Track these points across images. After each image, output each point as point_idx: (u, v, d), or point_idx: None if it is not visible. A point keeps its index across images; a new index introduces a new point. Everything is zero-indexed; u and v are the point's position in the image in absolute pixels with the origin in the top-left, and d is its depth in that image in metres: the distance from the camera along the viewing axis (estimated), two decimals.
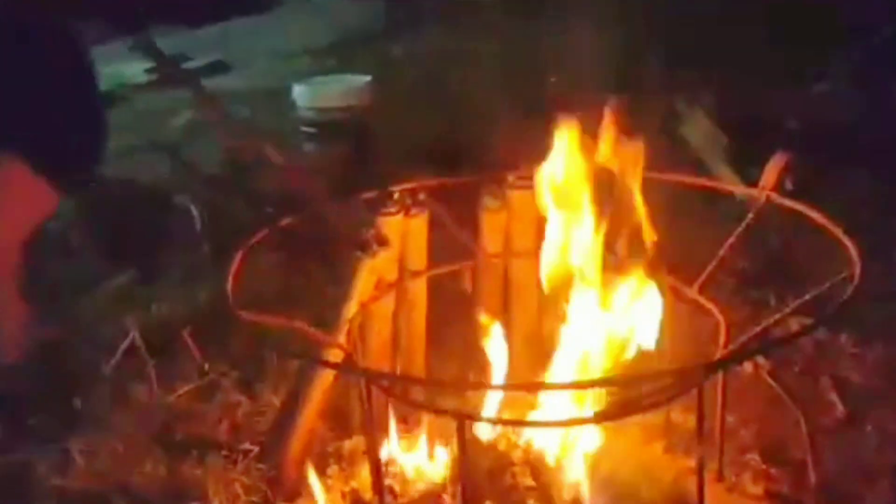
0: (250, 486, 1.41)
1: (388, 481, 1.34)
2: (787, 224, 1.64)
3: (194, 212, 2.16)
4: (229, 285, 1.22)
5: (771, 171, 1.38)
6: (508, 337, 1.41)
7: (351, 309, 1.33)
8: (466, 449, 1.12)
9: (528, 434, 1.33)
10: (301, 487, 1.38)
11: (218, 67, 3.64)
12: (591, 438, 1.35)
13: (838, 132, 2.25)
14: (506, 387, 1.32)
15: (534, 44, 2.53)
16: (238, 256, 1.29)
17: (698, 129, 2.27)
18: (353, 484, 1.40)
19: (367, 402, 1.22)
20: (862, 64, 2.52)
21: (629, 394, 1.17)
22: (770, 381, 1.54)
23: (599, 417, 1.12)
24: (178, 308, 1.85)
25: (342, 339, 1.31)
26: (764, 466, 1.39)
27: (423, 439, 1.38)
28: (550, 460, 1.32)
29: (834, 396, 1.53)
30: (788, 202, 1.35)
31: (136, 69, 3.16)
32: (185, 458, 1.47)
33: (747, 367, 1.59)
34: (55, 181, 1.40)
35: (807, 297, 1.23)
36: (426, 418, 1.37)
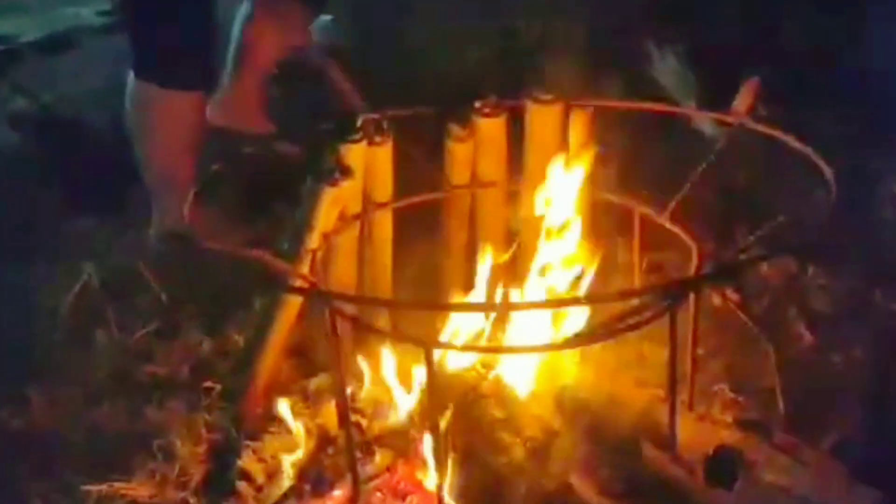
0: (214, 425, 1.38)
1: (355, 416, 1.31)
2: (759, 157, 1.62)
3: None
4: (185, 215, 1.17)
5: (744, 96, 1.35)
6: (476, 267, 1.38)
7: (313, 239, 1.29)
8: (433, 376, 1.09)
9: (498, 366, 1.31)
10: (265, 425, 1.35)
11: None
12: (562, 370, 1.34)
13: (815, 71, 2.23)
14: (473, 307, 1.29)
15: None
16: (192, 191, 1.24)
17: (669, 71, 2.24)
18: (319, 420, 1.37)
19: (331, 333, 1.19)
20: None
21: (600, 321, 1.15)
22: (740, 313, 1.53)
23: (570, 343, 1.10)
24: (138, 249, 1.80)
25: (305, 269, 1.28)
26: (733, 396, 1.39)
27: (390, 372, 1.35)
28: (521, 392, 1.30)
29: (802, 327, 1.53)
30: (761, 127, 1.33)
31: (89, 11, 3.06)
32: (147, 399, 1.44)
33: (717, 300, 1.58)
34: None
35: (780, 219, 1.21)
36: (393, 350, 1.34)
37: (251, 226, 1.78)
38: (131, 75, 1.75)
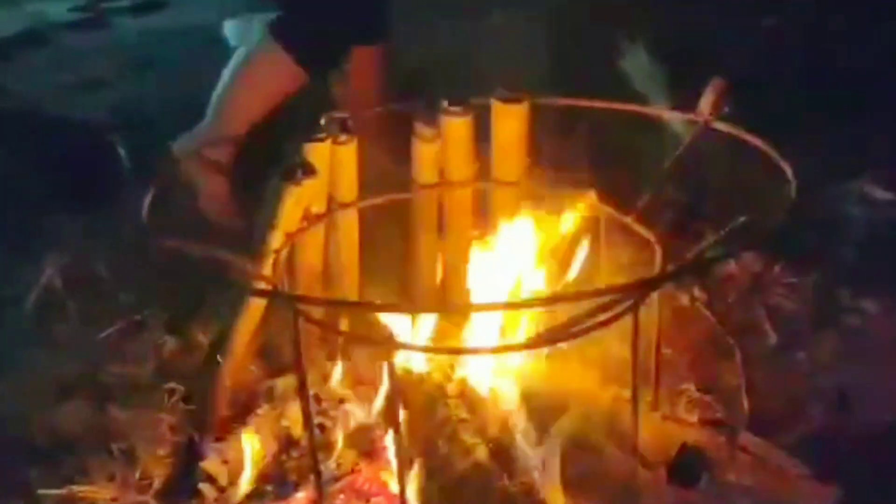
0: (177, 426, 1.36)
1: (319, 418, 1.31)
2: (726, 155, 1.63)
3: (121, 151, 2.09)
4: (145, 214, 1.15)
5: (708, 97, 1.35)
6: (444, 267, 1.38)
7: (276, 239, 1.28)
8: (396, 378, 1.08)
9: (463, 366, 1.31)
10: (229, 426, 1.34)
11: (150, 6, 3.50)
12: (527, 370, 1.33)
13: (784, 67, 2.24)
14: (436, 308, 1.29)
15: None
16: (152, 187, 1.23)
17: (638, 64, 2.24)
18: (285, 422, 1.36)
19: (294, 335, 1.18)
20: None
21: (563, 321, 1.14)
22: (705, 311, 1.54)
23: (531, 343, 1.09)
24: (105, 247, 1.78)
25: (267, 269, 1.26)
26: (699, 395, 1.39)
27: (355, 373, 1.35)
28: (485, 392, 1.30)
29: (767, 325, 1.54)
30: (725, 127, 1.33)
31: (58, 7, 3.03)
32: (110, 399, 1.42)
33: (683, 299, 1.59)
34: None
35: (741, 219, 1.21)
36: (358, 351, 1.34)
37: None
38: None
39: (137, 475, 1.30)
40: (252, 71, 1.84)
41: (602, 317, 1.09)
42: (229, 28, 2.55)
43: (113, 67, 2.80)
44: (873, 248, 1.68)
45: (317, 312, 1.29)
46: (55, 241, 1.77)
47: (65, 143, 2.17)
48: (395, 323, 1.23)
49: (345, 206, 1.40)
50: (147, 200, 1.18)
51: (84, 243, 1.77)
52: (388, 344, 1.09)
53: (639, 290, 1.11)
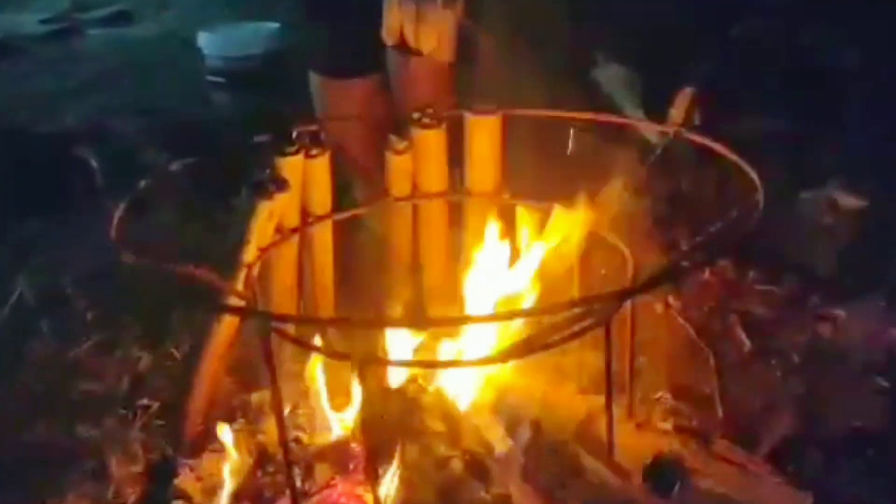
0: (150, 444, 1.35)
1: (294, 432, 1.30)
2: (697, 164, 1.64)
3: (94, 163, 2.07)
4: (114, 231, 1.14)
5: (679, 107, 1.37)
6: (419, 280, 1.38)
7: (249, 254, 1.27)
8: (368, 391, 1.08)
9: (438, 378, 1.30)
10: (204, 442, 1.33)
11: (122, 17, 3.48)
12: (502, 381, 1.33)
13: (752, 75, 2.26)
14: (408, 323, 1.29)
15: None
16: (124, 203, 1.22)
17: (612, 75, 2.25)
18: (261, 437, 1.35)
19: (266, 350, 1.17)
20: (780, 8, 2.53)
21: (537, 333, 1.14)
22: (680, 319, 1.55)
23: (502, 356, 1.09)
24: (78, 262, 1.76)
25: (240, 285, 1.26)
26: (674, 403, 1.40)
27: (330, 387, 1.34)
28: (460, 404, 1.29)
29: (741, 332, 1.55)
30: (695, 136, 1.34)
31: (29, 19, 3.01)
32: (82, 417, 1.41)
33: (658, 307, 1.59)
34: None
35: (712, 229, 1.22)
36: (333, 365, 1.33)
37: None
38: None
39: (110, 493, 1.28)
40: (320, 104, 1.83)
41: (576, 328, 1.09)
42: (203, 38, 2.55)
43: (85, 78, 2.78)
44: (844, 255, 1.70)
45: (291, 327, 1.28)
46: (25, 256, 1.76)
47: (36, 155, 2.16)
48: (375, 335, 1.22)
49: (319, 218, 1.39)
50: (116, 216, 1.16)
51: (55, 257, 1.76)
52: (360, 359, 1.09)
53: (610, 302, 1.11)
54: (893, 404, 1.40)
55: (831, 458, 1.30)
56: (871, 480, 1.27)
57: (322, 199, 1.39)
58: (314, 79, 1.82)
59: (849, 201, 1.79)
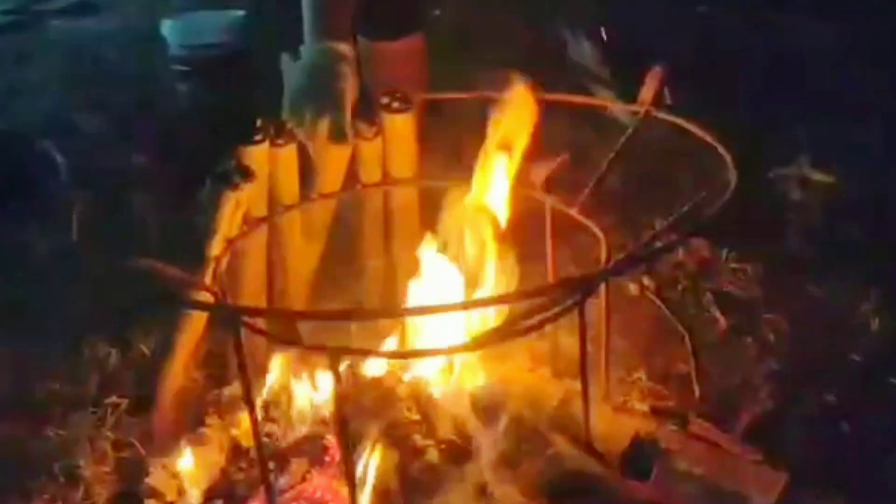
0: (120, 443, 1.33)
1: (268, 426, 1.28)
2: (668, 144, 1.63)
3: (59, 158, 2.03)
4: (74, 227, 1.11)
5: (649, 86, 1.35)
6: (391, 268, 1.36)
7: (216, 245, 1.25)
8: (340, 383, 1.06)
9: (414, 368, 1.29)
10: (176, 441, 1.31)
11: (85, 8, 3.41)
12: (477, 368, 1.32)
13: (718, 57, 2.26)
14: (378, 313, 1.27)
15: None
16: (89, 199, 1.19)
17: (583, 55, 2.24)
18: (234, 432, 1.33)
19: (237, 345, 1.15)
20: None
21: (511, 318, 1.13)
22: (655, 299, 1.54)
23: (475, 344, 1.08)
24: (41, 256, 1.72)
25: (207, 278, 1.23)
26: (650, 384, 1.40)
27: (303, 379, 1.32)
28: (436, 393, 1.28)
29: (716, 311, 1.54)
30: (666, 116, 1.32)
31: None
32: (49, 417, 1.38)
33: (633, 288, 1.59)
34: None
35: (684, 209, 1.21)
36: (306, 356, 1.31)
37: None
38: None
39: (81, 494, 1.26)
40: (371, 70, 1.74)
41: (548, 313, 1.08)
42: (166, 27, 2.50)
43: (46, 70, 2.72)
44: (816, 231, 1.70)
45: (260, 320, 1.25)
46: None
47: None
48: (348, 326, 1.20)
49: (288, 208, 1.37)
50: (75, 215, 1.13)
51: (22, 254, 1.72)
52: (331, 350, 1.07)
53: (583, 285, 1.10)
54: (866, 379, 1.41)
55: (807, 433, 1.30)
56: (846, 455, 1.27)
57: (290, 188, 1.37)
58: (364, 45, 1.74)
59: (816, 176, 1.79)
